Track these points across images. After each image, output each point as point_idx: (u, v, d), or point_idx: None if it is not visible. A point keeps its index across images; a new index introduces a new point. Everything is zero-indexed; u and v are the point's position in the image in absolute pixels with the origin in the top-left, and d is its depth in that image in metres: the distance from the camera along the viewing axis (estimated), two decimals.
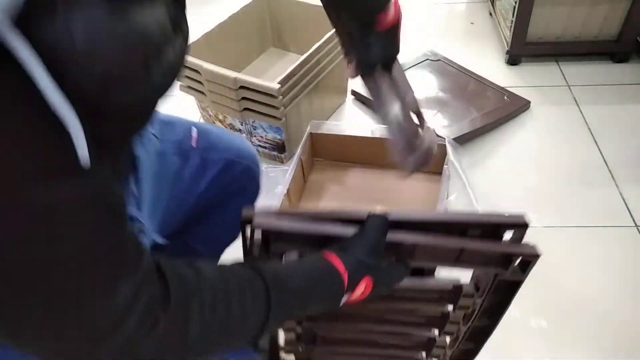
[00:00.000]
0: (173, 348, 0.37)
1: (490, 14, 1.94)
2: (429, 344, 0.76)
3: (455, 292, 0.64)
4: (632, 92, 1.57)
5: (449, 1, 2.10)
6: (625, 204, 1.24)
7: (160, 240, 0.66)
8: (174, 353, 0.38)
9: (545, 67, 1.68)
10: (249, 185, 0.82)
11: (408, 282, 0.58)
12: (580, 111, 1.51)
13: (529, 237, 0.53)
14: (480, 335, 0.71)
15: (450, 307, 0.66)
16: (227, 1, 1.64)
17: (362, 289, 0.49)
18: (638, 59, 1.67)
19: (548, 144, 1.43)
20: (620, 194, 1.26)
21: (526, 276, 0.57)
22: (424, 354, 0.80)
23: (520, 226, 0.53)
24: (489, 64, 1.71)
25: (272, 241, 0.53)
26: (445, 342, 0.74)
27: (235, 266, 0.45)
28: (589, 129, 1.45)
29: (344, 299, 0.48)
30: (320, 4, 0.73)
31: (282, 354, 0.80)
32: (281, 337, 0.77)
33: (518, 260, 0.55)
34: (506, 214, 0.53)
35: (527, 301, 1.05)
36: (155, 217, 0.65)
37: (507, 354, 0.99)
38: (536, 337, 1.01)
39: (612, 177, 1.31)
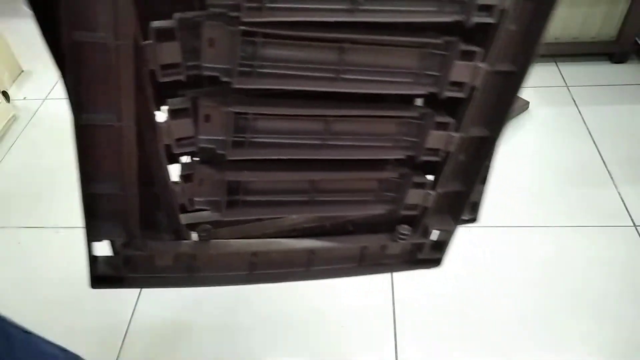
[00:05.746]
0: None
1: None
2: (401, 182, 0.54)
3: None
4: (631, 92, 1.57)
5: None
6: (624, 203, 1.24)
7: None
8: None
9: (543, 68, 1.68)
10: None
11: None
12: (579, 111, 1.51)
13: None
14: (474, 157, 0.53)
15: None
16: None
17: None
18: (636, 59, 1.67)
19: (547, 144, 1.43)
20: (619, 193, 1.27)
21: None
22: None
23: None
24: None
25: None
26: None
27: None
28: (588, 129, 1.45)
29: None
30: None
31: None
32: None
33: None
34: None
35: (525, 301, 1.05)
36: None
37: (506, 353, 0.99)
38: (535, 337, 1.01)
39: (611, 177, 1.31)
